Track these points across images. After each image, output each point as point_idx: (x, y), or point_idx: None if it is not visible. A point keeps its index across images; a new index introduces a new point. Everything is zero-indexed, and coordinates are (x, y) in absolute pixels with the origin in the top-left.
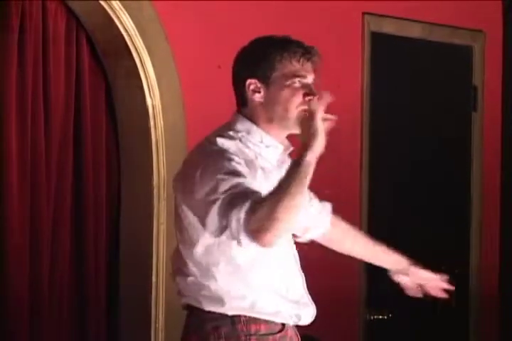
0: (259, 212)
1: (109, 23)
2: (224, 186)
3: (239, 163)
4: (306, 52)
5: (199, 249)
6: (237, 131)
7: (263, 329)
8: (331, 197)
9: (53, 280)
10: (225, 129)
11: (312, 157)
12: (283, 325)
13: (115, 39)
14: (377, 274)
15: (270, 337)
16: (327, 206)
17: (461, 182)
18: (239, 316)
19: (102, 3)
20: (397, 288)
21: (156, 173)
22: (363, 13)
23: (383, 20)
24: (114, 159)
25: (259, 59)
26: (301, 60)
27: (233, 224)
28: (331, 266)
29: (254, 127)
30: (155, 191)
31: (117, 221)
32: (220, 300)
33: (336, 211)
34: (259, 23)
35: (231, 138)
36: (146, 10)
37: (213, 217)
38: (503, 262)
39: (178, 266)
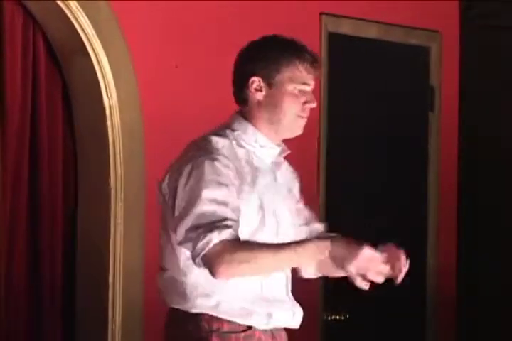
0: (234, 254)
1: (66, 23)
2: (208, 197)
3: (226, 179)
4: (314, 60)
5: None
6: (233, 130)
7: (226, 328)
8: None
9: (9, 280)
10: (222, 128)
11: (318, 251)
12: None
13: (72, 39)
14: None
15: (233, 336)
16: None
17: (418, 182)
18: (202, 314)
19: (59, 3)
20: (354, 289)
21: (113, 174)
22: (320, 14)
23: (340, 20)
24: (70, 159)
25: (268, 58)
26: (308, 68)
27: (200, 243)
28: None
29: (250, 127)
30: (112, 192)
31: (74, 221)
32: (185, 298)
33: None
34: (217, 23)
35: (226, 136)
36: (103, 10)
37: (186, 224)
38: (459, 262)
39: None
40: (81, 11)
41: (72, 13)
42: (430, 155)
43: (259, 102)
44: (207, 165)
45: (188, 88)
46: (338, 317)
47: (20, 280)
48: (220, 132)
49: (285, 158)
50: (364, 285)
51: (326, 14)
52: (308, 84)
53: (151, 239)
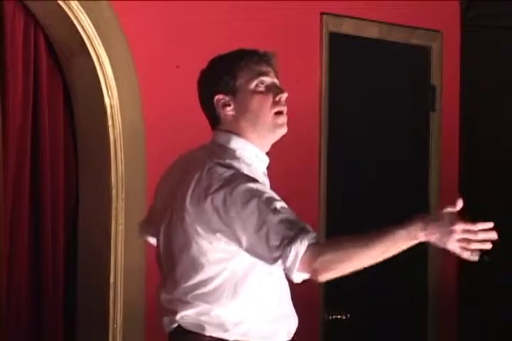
0: (330, 255)
1: (67, 23)
2: (270, 206)
3: (263, 184)
4: (263, 55)
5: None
6: (234, 150)
7: None
8: (288, 195)
9: (11, 281)
10: (221, 152)
11: (418, 235)
12: None
13: (73, 38)
14: None
15: None
16: None
17: (419, 181)
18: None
19: (60, 2)
20: (356, 288)
21: (114, 173)
22: (321, 14)
23: (341, 20)
24: (72, 159)
25: (220, 73)
26: (260, 63)
27: (291, 257)
28: None
29: (247, 143)
30: (113, 191)
31: (75, 221)
32: (222, 326)
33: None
34: (218, 23)
35: (234, 159)
36: (105, 10)
37: (265, 244)
38: (460, 262)
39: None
40: (82, 11)
41: (74, 13)
42: (431, 154)
43: (233, 116)
44: (245, 177)
45: (189, 88)
46: (339, 317)
47: (22, 280)
48: (225, 156)
49: (286, 159)
50: (473, 257)
51: (327, 14)
52: (267, 74)
53: None
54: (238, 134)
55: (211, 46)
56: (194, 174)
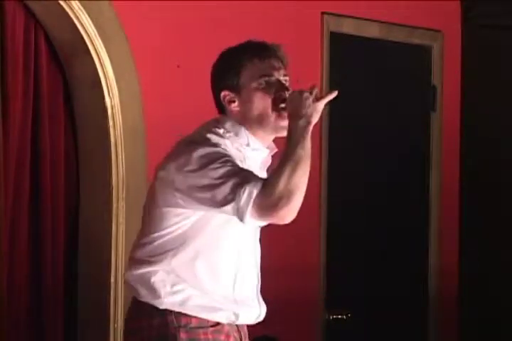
0: (273, 187)
1: (68, 23)
2: (234, 170)
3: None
4: (266, 49)
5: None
6: (227, 131)
7: (194, 323)
8: None
9: (11, 281)
10: (214, 126)
11: (306, 124)
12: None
13: (74, 39)
14: (336, 274)
15: (201, 331)
16: None
17: (420, 182)
18: (170, 310)
19: (61, 2)
20: (356, 288)
21: (114, 173)
22: (322, 13)
23: (342, 20)
24: (72, 159)
25: (225, 70)
26: (263, 58)
27: (243, 197)
28: (290, 265)
29: (242, 129)
30: (114, 191)
31: (75, 221)
32: (155, 293)
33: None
34: (219, 23)
35: (221, 135)
36: (105, 10)
37: (224, 190)
38: (461, 262)
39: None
40: (83, 10)
41: (74, 13)
42: (432, 154)
43: (239, 112)
44: (212, 150)
45: (189, 88)
46: (339, 316)
47: (22, 279)
48: (214, 130)
49: None
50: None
51: (328, 14)
52: (271, 74)
53: None
54: (245, 126)
55: (211, 46)
56: (178, 144)
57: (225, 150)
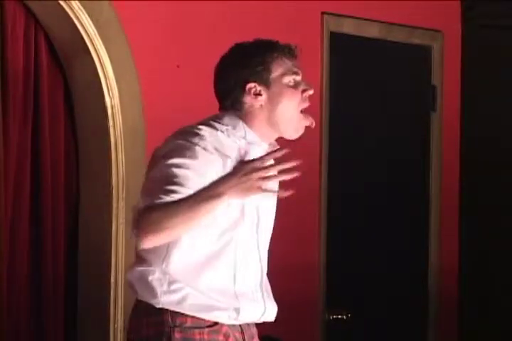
0: (150, 216)
1: (68, 23)
2: (177, 176)
3: (199, 164)
4: (292, 49)
5: None
6: (224, 124)
7: (189, 323)
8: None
9: (11, 281)
10: (211, 119)
11: (217, 192)
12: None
13: (74, 38)
14: (336, 274)
15: (196, 331)
16: None
17: (420, 181)
18: (166, 309)
19: (61, 2)
20: (356, 288)
21: (114, 173)
22: (322, 13)
23: (342, 20)
24: (72, 159)
25: (253, 62)
26: (291, 57)
27: (135, 214)
28: (290, 265)
29: (240, 123)
30: (114, 191)
31: (76, 221)
32: (152, 293)
33: (295, 210)
34: (218, 23)
35: (215, 128)
36: (106, 9)
37: (146, 190)
38: (461, 262)
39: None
40: (83, 10)
41: (74, 13)
42: (432, 154)
43: (261, 106)
44: (185, 145)
45: (190, 88)
46: (339, 316)
47: (23, 280)
48: (209, 122)
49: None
50: (282, 193)
51: (328, 13)
52: (298, 73)
53: None
54: (247, 122)
55: (211, 46)
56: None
57: (206, 148)
